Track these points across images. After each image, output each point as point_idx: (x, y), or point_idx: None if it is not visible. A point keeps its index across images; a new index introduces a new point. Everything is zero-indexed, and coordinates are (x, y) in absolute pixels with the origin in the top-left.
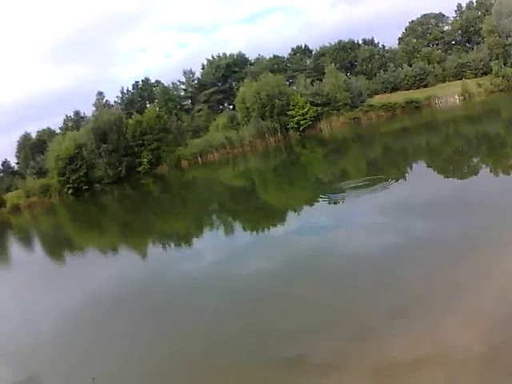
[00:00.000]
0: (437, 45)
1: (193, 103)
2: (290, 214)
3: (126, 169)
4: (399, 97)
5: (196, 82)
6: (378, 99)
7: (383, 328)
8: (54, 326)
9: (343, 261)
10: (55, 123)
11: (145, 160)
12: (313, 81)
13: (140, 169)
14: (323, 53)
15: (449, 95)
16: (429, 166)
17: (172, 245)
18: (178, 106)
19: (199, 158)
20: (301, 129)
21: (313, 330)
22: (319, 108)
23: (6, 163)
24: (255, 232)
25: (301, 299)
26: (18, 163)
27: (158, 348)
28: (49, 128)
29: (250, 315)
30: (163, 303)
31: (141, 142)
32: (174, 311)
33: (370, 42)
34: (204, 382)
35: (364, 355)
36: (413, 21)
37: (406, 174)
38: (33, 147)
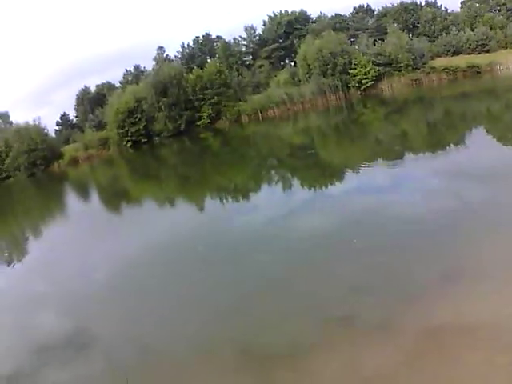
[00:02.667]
0: (499, 11)
1: (254, 59)
2: (348, 173)
3: (186, 123)
4: (461, 60)
5: (257, 38)
6: (439, 62)
7: (436, 291)
8: (108, 276)
9: (399, 222)
10: (114, 78)
11: (205, 114)
12: (375, 40)
13: (200, 123)
14: (385, 13)
15: (511, 62)
16: (489, 133)
17: (229, 199)
18: (239, 62)
19: (259, 114)
20: (362, 88)
21: (365, 289)
22: (381, 68)
23: (64, 116)
24: (312, 189)
25: (354, 258)
26: (76, 116)
27: (209, 301)
28: (108, 82)
29: (303, 272)
30: (217, 257)
31: (201, 96)
32: (227, 266)
33: (432, 4)
34: (258, 336)
35: (414, 317)
36: None
37: (466, 140)
38: (92, 101)
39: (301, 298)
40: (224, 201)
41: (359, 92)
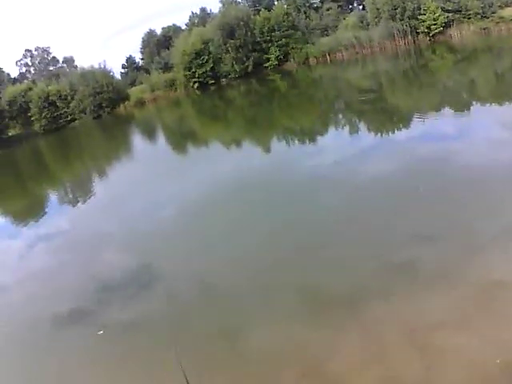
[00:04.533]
0: None
1: (321, 2)
2: (415, 120)
3: (253, 64)
4: None
5: None
6: (508, 11)
7: (498, 246)
8: (173, 215)
9: (463, 171)
10: (180, 20)
11: (272, 56)
12: None
13: (267, 65)
14: None
15: None
16: None
17: (296, 141)
18: (307, 4)
19: (327, 57)
20: (431, 34)
21: (426, 237)
22: (450, 15)
23: (130, 59)
24: (379, 134)
25: (419, 206)
26: (142, 59)
27: (271, 242)
28: (174, 25)
29: (366, 217)
30: (281, 198)
31: (268, 38)
32: (291, 208)
33: None
34: (318, 280)
35: (476, 268)
36: None
37: None
38: (157, 43)
39: (363, 242)
40: (290, 143)
41: (428, 38)
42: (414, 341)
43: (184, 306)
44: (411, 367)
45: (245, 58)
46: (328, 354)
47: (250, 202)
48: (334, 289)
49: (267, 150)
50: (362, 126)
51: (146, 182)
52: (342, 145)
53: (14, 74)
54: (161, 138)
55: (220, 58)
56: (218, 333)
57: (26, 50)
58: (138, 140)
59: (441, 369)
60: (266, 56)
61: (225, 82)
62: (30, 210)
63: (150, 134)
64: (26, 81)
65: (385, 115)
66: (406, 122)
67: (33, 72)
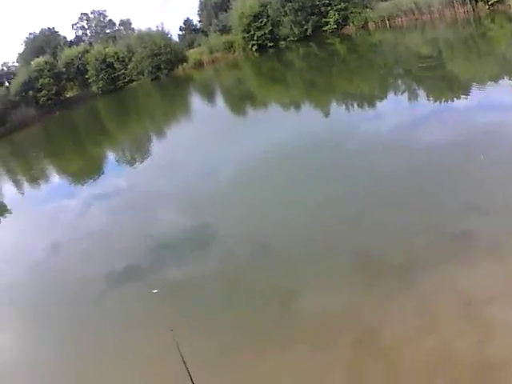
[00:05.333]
0: None
1: None
2: (475, 89)
3: (312, 28)
4: None
5: None
6: None
7: None
8: (230, 176)
9: None
10: None
11: (331, 20)
12: None
13: (326, 28)
14: None
15: None
16: None
17: (355, 105)
18: None
19: (386, 22)
20: (490, 2)
21: (483, 208)
22: None
23: (188, 21)
24: (437, 101)
25: (475, 177)
26: (200, 21)
27: (326, 206)
28: None
29: (423, 185)
30: (337, 162)
31: (327, 1)
32: (346, 172)
33: None
34: (372, 245)
35: None
36: None
37: None
38: (215, 6)
39: (417, 211)
40: (349, 107)
41: (487, 7)
42: (467, 313)
43: (237, 267)
44: (464, 340)
45: (304, 21)
46: (382, 321)
47: (306, 167)
48: (387, 256)
49: (325, 113)
50: (421, 92)
51: (204, 143)
52: (400, 111)
53: (71, 37)
54: (219, 100)
55: (279, 21)
56: (271, 295)
57: (81, 14)
58: (196, 101)
59: (494, 343)
60: (324, 20)
61: (283, 45)
62: (87, 170)
63: (208, 95)
64: (82, 43)
65: (444, 83)
66: (465, 90)
67: (89, 35)
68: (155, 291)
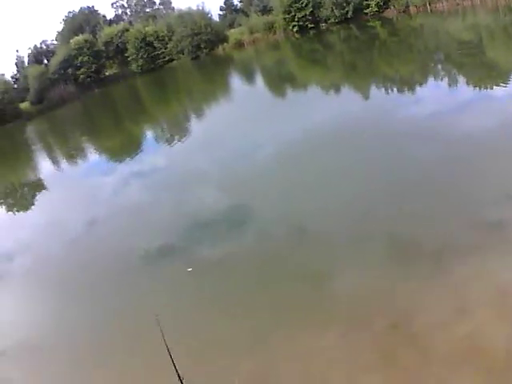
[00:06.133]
0: None
1: None
2: None
3: (353, 10)
4: None
5: None
6: None
7: None
8: (270, 156)
9: None
10: None
11: (372, 2)
12: None
13: (367, 11)
14: None
15: None
16: None
17: (394, 89)
18: None
19: (428, 6)
20: None
21: None
22: None
23: (228, 1)
24: (477, 88)
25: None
26: (240, 1)
27: (364, 190)
28: None
29: (460, 172)
30: (375, 145)
31: None
32: (385, 156)
33: None
34: (408, 230)
35: None
36: None
37: None
38: None
39: (454, 198)
40: (389, 91)
41: None
42: (502, 302)
43: (273, 247)
44: (497, 328)
45: (345, 3)
46: (416, 306)
47: (345, 150)
48: (424, 241)
49: (365, 96)
50: (461, 78)
51: (243, 122)
52: (439, 97)
53: (110, 15)
54: (259, 80)
55: (319, 3)
56: (307, 277)
57: None
58: (235, 81)
59: None
60: (365, 2)
61: (324, 27)
62: (125, 147)
63: (248, 75)
64: (122, 22)
65: (484, 69)
66: (505, 78)
67: (129, 14)
68: (190, 269)
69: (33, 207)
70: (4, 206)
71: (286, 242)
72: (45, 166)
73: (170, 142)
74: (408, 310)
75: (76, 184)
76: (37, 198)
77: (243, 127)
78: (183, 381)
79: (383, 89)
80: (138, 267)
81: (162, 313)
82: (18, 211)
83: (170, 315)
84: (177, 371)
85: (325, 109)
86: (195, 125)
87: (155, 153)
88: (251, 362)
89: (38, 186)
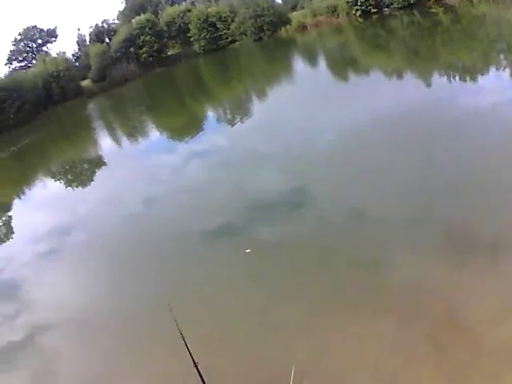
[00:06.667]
0: None
1: None
2: None
3: None
4: None
5: None
6: None
7: None
8: (331, 140)
9: None
10: None
11: None
12: None
13: None
14: None
15: None
16: None
17: (456, 77)
18: None
19: None
20: None
21: None
22: None
23: None
24: None
25: None
26: None
27: (421, 176)
28: None
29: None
30: (437, 134)
31: None
32: (446, 144)
33: None
34: (464, 221)
35: None
36: None
37: None
38: None
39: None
40: (451, 79)
41: None
42: None
43: (332, 232)
44: None
45: None
46: (467, 299)
47: (406, 137)
48: (481, 233)
49: (428, 83)
50: None
51: (305, 105)
52: (501, 87)
53: None
54: (322, 63)
55: None
56: (363, 262)
57: None
58: (298, 64)
59: None
60: None
61: (387, 12)
62: (186, 127)
63: (310, 58)
64: (184, 3)
65: None
66: None
67: None
68: (248, 250)
69: (92, 183)
70: (63, 182)
71: (344, 227)
72: (105, 143)
73: (231, 122)
74: (461, 302)
75: (136, 162)
76: (96, 174)
77: (305, 110)
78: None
79: (445, 76)
80: (195, 246)
81: (214, 293)
82: (77, 187)
83: (223, 296)
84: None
85: (387, 95)
86: (257, 106)
87: (216, 133)
88: (305, 347)
89: (98, 162)
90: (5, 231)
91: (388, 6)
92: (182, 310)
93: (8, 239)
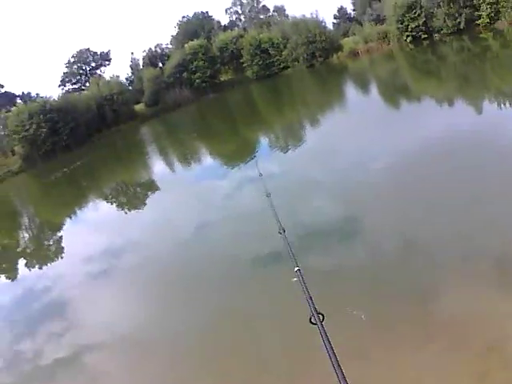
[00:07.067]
0: None
1: None
2: None
3: (465, 21)
4: None
5: None
6: None
7: None
8: (386, 168)
9: None
10: None
11: (484, 13)
12: None
13: (479, 22)
14: None
15: None
16: None
17: (507, 103)
18: None
19: None
20: None
21: None
22: None
23: (342, 10)
24: None
25: None
26: (354, 10)
27: (481, 202)
28: None
29: None
30: (491, 162)
31: None
32: (500, 172)
33: None
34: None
35: None
36: None
37: None
38: None
39: None
40: (501, 105)
41: None
42: None
43: (382, 261)
44: None
45: (456, 14)
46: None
47: (462, 166)
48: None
49: (478, 111)
50: None
51: (357, 133)
52: None
53: (224, 21)
54: (373, 91)
55: (432, 13)
56: (411, 292)
57: None
58: (350, 91)
59: None
60: (477, 13)
61: (437, 38)
62: (240, 153)
63: (362, 85)
64: (236, 28)
65: None
66: None
67: (243, 20)
68: (295, 279)
69: (144, 207)
70: (116, 204)
71: (394, 257)
72: (158, 168)
73: (283, 149)
74: (508, 335)
75: (188, 186)
76: (149, 197)
77: (357, 138)
78: None
79: (495, 103)
80: (244, 272)
81: (258, 319)
82: (129, 210)
83: (270, 323)
84: None
85: (438, 122)
86: (309, 133)
87: (268, 159)
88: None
89: (151, 186)
90: (55, 251)
91: (438, 32)
92: (229, 334)
93: (58, 259)
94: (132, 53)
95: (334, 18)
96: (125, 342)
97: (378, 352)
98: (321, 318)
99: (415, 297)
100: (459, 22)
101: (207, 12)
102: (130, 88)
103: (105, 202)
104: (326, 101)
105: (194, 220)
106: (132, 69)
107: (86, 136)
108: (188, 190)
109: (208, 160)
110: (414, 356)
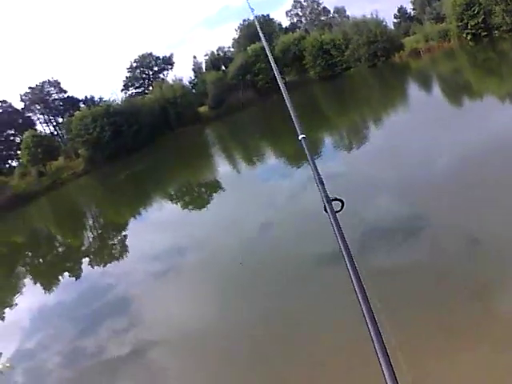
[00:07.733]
0: None
1: None
2: None
3: None
4: None
5: None
6: None
7: None
8: (451, 166)
9: None
10: None
11: None
12: None
13: None
14: None
15: None
16: None
17: None
18: None
19: None
20: None
21: None
22: None
23: (402, 9)
24: None
25: None
26: (413, 9)
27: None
28: None
29: None
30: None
31: None
32: None
33: None
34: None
35: None
36: None
37: None
38: None
39: None
40: None
41: None
42: None
43: (446, 259)
44: None
45: None
46: None
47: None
48: None
49: None
50: None
51: (422, 130)
52: None
53: (285, 23)
54: (436, 89)
55: (490, 10)
56: (474, 290)
57: (295, 1)
58: (413, 90)
59: None
60: None
61: (497, 34)
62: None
63: (425, 83)
64: (297, 30)
65: None
66: None
67: (304, 22)
68: None
69: (209, 206)
70: (180, 204)
71: (458, 254)
72: (222, 168)
73: (348, 148)
74: None
75: (252, 186)
76: (213, 197)
77: (420, 135)
78: None
79: None
80: (308, 272)
81: (320, 317)
82: (193, 209)
83: (329, 324)
84: None
85: (504, 121)
86: (373, 132)
87: (332, 158)
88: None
89: (215, 186)
90: (120, 249)
91: (497, 29)
92: (288, 335)
93: (122, 257)
94: (194, 56)
95: (395, 17)
96: (185, 340)
97: (432, 349)
98: (339, 204)
99: (475, 295)
100: None
101: (268, 15)
102: (194, 91)
103: (169, 202)
104: (389, 100)
105: (259, 219)
106: (195, 72)
107: (150, 138)
108: (252, 189)
109: (272, 160)
110: (467, 355)
